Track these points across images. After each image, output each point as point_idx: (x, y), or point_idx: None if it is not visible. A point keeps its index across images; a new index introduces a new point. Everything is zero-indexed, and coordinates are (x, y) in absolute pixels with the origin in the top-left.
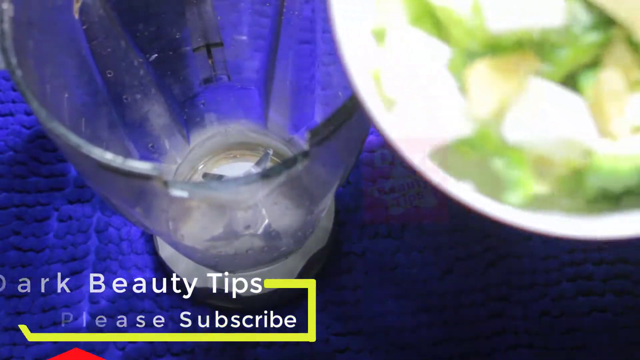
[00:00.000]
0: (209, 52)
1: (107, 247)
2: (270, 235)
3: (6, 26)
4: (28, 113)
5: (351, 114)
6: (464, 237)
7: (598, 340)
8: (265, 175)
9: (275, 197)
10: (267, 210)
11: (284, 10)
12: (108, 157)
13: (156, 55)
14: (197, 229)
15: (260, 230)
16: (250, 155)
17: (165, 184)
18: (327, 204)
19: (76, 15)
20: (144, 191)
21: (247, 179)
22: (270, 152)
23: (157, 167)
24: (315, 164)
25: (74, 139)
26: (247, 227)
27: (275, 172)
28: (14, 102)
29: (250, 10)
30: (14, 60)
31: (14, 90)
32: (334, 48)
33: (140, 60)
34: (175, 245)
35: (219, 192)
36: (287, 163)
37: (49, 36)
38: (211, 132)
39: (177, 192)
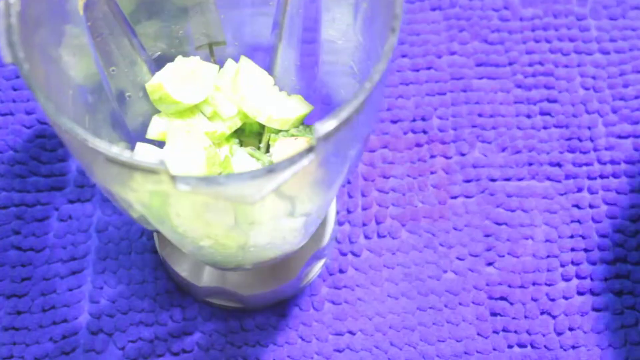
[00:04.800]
0: (211, 50)
1: (107, 247)
2: (273, 232)
3: (13, 20)
4: (28, 113)
5: (359, 109)
6: (464, 237)
7: (598, 340)
8: (271, 169)
9: (279, 193)
10: (271, 207)
11: (288, 9)
12: (115, 150)
13: (159, 53)
14: (201, 223)
15: (264, 227)
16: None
17: (172, 178)
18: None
19: (80, 12)
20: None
21: (253, 174)
22: None
23: (163, 162)
24: (321, 160)
25: (81, 133)
26: (252, 222)
27: (282, 166)
28: (14, 102)
29: (252, 9)
30: (21, 54)
31: (15, 90)
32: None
33: (143, 57)
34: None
35: (224, 186)
36: (293, 157)
37: (54, 33)
38: None
39: (182, 187)
